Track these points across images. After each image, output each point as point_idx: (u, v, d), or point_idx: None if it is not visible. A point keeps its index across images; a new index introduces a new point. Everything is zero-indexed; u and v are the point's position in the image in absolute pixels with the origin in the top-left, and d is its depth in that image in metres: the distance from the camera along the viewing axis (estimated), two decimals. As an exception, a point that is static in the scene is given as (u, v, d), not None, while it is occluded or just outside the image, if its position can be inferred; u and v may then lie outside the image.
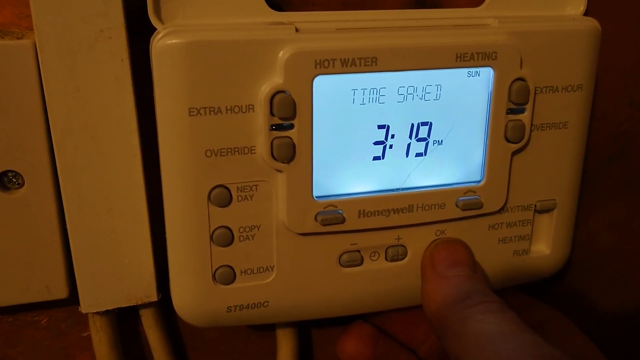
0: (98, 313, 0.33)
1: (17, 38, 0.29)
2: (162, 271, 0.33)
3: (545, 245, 0.36)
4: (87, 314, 0.33)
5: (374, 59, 0.29)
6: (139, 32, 0.29)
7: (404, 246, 0.33)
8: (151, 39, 0.28)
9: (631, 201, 0.44)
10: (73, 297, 0.33)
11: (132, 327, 0.36)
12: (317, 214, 0.31)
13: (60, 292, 0.33)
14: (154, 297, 0.33)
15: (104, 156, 0.30)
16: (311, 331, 0.41)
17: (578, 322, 0.47)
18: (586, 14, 0.34)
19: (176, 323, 0.37)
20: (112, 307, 0.33)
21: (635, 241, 0.45)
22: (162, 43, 0.27)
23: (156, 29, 0.28)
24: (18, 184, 0.30)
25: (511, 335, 0.26)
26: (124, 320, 0.35)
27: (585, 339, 0.34)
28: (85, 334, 0.36)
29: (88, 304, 0.32)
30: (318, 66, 0.28)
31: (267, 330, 0.39)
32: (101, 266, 0.32)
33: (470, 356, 0.26)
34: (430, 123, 0.31)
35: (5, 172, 0.30)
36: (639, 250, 0.46)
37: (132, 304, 0.33)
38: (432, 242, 0.33)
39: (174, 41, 0.27)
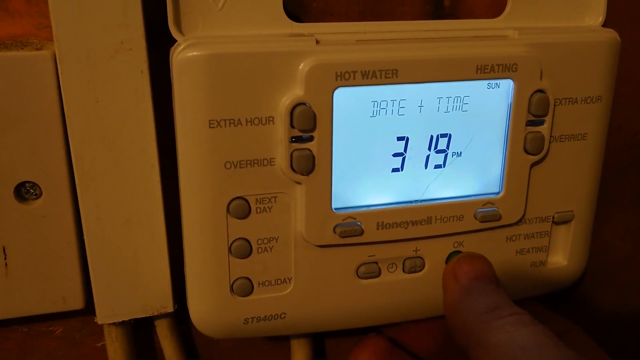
0: (114, 324, 0.33)
1: (37, 49, 0.28)
2: (177, 282, 0.33)
3: (562, 257, 0.36)
4: (102, 324, 0.33)
5: (394, 71, 0.29)
6: (159, 43, 0.29)
7: (421, 258, 0.33)
8: (171, 51, 0.28)
9: (645, 211, 0.44)
10: (88, 307, 0.33)
11: (147, 337, 0.36)
12: (336, 226, 0.30)
13: (76, 302, 0.32)
14: (170, 307, 0.33)
15: (122, 167, 0.30)
16: (324, 341, 0.40)
17: (592, 331, 0.46)
18: (605, 24, 0.34)
19: (191, 333, 0.37)
20: (128, 318, 0.33)
21: (649, 251, 0.45)
22: (183, 55, 0.27)
23: (176, 41, 0.28)
24: (35, 194, 0.30)
25: (546, 347, 0.26)
26: (138, 331, 0.35)
27: (603, 354, 0.33)
28: (99, 344, 0.36)
29: (104, 314, 0.32)
30: (339, 78, 0.28)
31: (281, 340, 0.39)
32: (118, 277, 0.32)
33: None
34: (450, 135, 0.31)
35: (23, 183, 0.30)
36: (652, 259, 0.46)
37: (148, 315, 0.33)
38: (452, 256, 0.33)
39: (195, 53, 0.27)
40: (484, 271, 0.31)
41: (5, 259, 0.31)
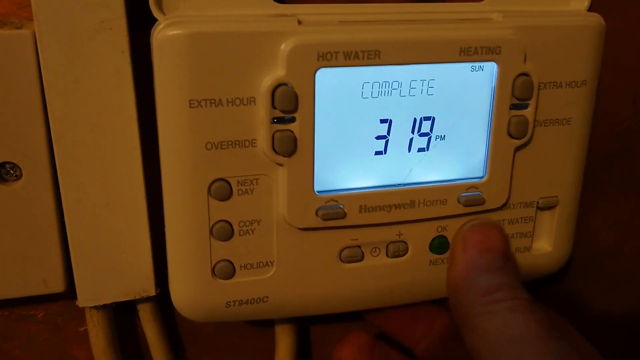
0: (95, 307, 0.33)
1: (17, 28, 0.28)
2: (160, 266, 0.32)
3: (547, 243, 0.36)
4: (84, 308, 0.33)
5: (377, 52, 0.28)
6: (140, 23, 0.29)
7: (405, 242, 0.33)
8: (152, 30, 0.28)
9: (632, 199, 0.44)
10: (69, 291, 0.32)
11: (129, 322, 0.36)
12: (318, 208, 0.30)
13: (57, 285, 0.32)
14: (152, 291, 0.33)
15: (103, 148, 0.30)
16: (310, 327, 0.40)
17: (578, 321, 0.46)
18: (590, 9, 0.33)
19: (174, 318, 0.37)
20: (110, 302, 0.32)
21: (636, 240, 0.45)
22: (163, 34, 0.27)
23: (157, 20, 0.28)
24: (16, 175, 0.30)
25: (537, 340, 0.25)
26: (120, 315, 0.35)
27: (588, 346, 0.33)
28: (81, 329, 0.35)
29: (85, 298, 0.32)
30: (320, 59, 0.28)
31: (265, 326, 0.39)
32: (99, 260, 0.31)
33: (491, 354, 0.26)
34: (433, 118, 0.31)
35: (3, 164, 0.30)
36: (639, 248, 0.46)
37: (130, 299, 0.33)
38: (467, 222, 0.32)
39: (175, 32, 0.27)
40: (496, 244, 0.30)
41: (-16, 240, 0.30)
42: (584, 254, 0.44)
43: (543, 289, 0.45)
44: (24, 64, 0.28)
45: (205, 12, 0.28)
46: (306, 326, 0.40)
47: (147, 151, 0.30)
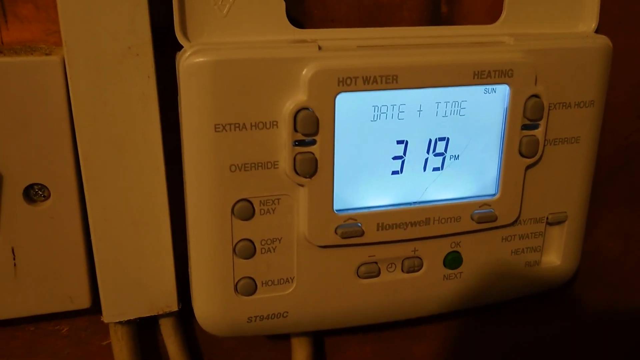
0: (120, 323, 0.34)
1: (46, 54, 0.29)
2: (182, 281, 0.33)
3: (555, 257, 0.37)
4: (108, 323, 0.34)
5: (394, 77, 0.30)
6: (165, 49, 0.30)
7: (419, 258, 0.34)
8: (177, 56, 0.29)
9: (636, 211, 0.45)
10: (94, 307, 0.33)
11: (151, 336, 0.37)
12: (338, 227, 0.31)
13: (83, 302, 0.33)
14: (174, 307, 0.34)
15: (128, 169, 0.31)
16: (324, 339, 0.41)
17: (583, 330, 0.47)
18: (597, 30, 0.34)
19: (194, 332, 0.38)
20: (134, 317, 0.33)
21: (640, 250, 0.46)
22: (189, 61, 0.28)
23: (181, 47, 0.29)
24: (44, 196, 0.31)
25: None
26: (143, 329, 0.36)
27: None
28: (105, 343, 0.36)
29: (111, 314, 0.33)
30: (341, 84, 0.29)
31: (282, 338, 0.39)
32: (124, 277, 0.32)
33: None
34: (448, 138, 0.32)
35: (32, 185, 0.31)
36: (643, 259, 0.47)
37: (153, 314, 0.34)
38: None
39: (201, 59, 0.28)
40: None
41: (14, 259, 0.31)
42: (590, 263, 0.45)
43: (549, 299, 0.46)
44: (53, 88, 0.29)
45: (228, 38, 0.29)
46: (321, 337, 0.41)
47: (170, 171, 0.31)
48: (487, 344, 0.46)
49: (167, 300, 0.34)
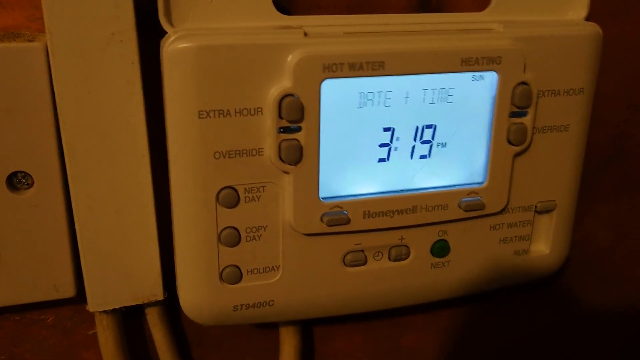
0: (105, 312, 0.34)
1: (28, 40, 0.29)
2: (167, 270, 0.33)
3: (544, 245, 0.37)
4: (93, 312, 0.34)
5: (381, 63, 0.29)
6: (149, 35, 0.29)
7: (407, 246, 0.34)
8: (161, 43, 0.28)
9: (627, 201, 0.45)
10: (79, 296, 0.33)
11: (138, 325, 0.37)
12: (323, 214, 0.31)
13: (67, 291, 0.33)
14: (160, 295, 0.34)
15: (113, 157, 0.30)
16: (312, 328, 0.41)
17: (574, 321, 0.47)
18: (587, 18, 0.34)
19: (180, 321, 0.38)
20: (119, 306, 0.33)
21: (630, 241, 0.46)
22: (173, 47, 0.27)
23: (166, 33, 0.28)
24: (27, 184, 0.31)
25: None
26: (129, 319, 0.36)
27: None
28: (90, 332, 0.36)
29: (96, 302, 0.33)
30: (326, 70, 0.29)
31: (270, 327, 0.39)
32: (109, 265, 0.32)
33: None
34: (435, 126, 0.32)
35: (15, 173, 0.30)
36: (634, 249, 0.47)
37: (139, 303, 0.33)
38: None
39: (185, 45, 0.27)
40: None
41: (-3, 247, 0.31)
42: (580, 254, 0.45)
43: (539, 289, 0.45)
44: (35, 75, 0.29)
45: (213, 24, 0.29)
46: (309, 326, 0.41)
47: (155, 159, 0.31)
48: (476, 335, 0.46)
49: (153, 289, 0.33)
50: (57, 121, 0.29)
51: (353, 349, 0.43)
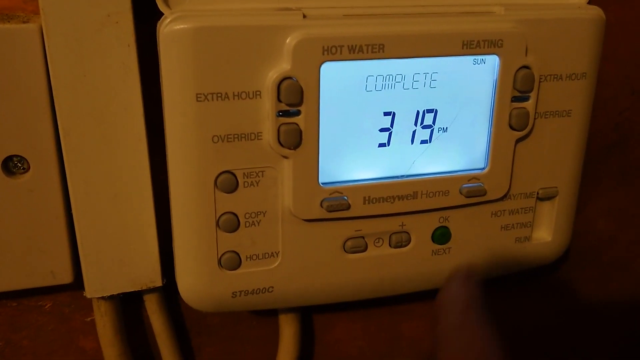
0: (103, 298, 0.33)
1: (23, 22, 0.28)
2: (166, 256, 0.33)
3: (546, 232, 0.37)
4: (91, 298, 0.33)
5: (381, 46, 0.29)
6: (145, 16, 0.29)
7: (407, 233, 0.33)
8: (158, 24, 0.28)
9: (629, 189, 0.44)
10: (77, 282, 0.33)
11: (136, 312, 0.36)
12: (323, 200, 0.31)
13: (65, 277, 0.33)
14: (158, 282, 0.33)
15: (110, 141, 0.30)
16: (312, 316, 0.41)
17: (575, 310, 0.47)
18: (590, 2, 0.34)
19: (179, 308, 0.37)
20: (117, 292, 0.33)
21: (632, 229, 0.46)
22: (169, 28, 0.27)
23: (163, 14, 0.28)
24: (23, 168, 0.30)
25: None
26: (127, 305, 0.35)
27: None
28: (88, 319, 0.36)
29: (93, 289, 0.32)
30: (325, 53, 0.28)
31: (269, 315, 0.39)
32: (106, 251, 0.32)
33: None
34: (436, 110, 0.31)
35: (10, 157, 0.30)
36: (636, 238, 0.46)
37: (137, 289, 0.33)
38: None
39: (181, 27, 0.27)
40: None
41: (-7, 233, 0.31)
42: (581, 242, 0.45)
43: (540, 277, 0.45)
44: (30, 58, 0.28)
45: (210, 5, 0.29)
46: (309, 314, 0.41)
47: (153, 143, 0.31)
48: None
49: (151, 275, 0.33)
50: (52, 104, 0.29)
51: (353, 337, 0.42)
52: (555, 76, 0.33)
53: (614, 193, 0.44)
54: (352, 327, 0.42)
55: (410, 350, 0.44)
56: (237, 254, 0.31)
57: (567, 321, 0.48)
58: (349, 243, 0.33)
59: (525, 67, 0.31)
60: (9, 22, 0.28)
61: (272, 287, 0.32)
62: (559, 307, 0.47)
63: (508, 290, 0.45)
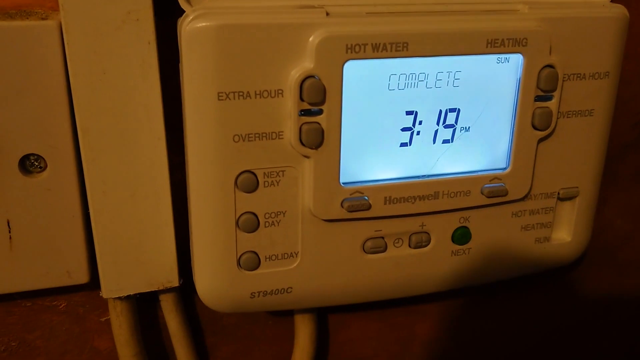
0: (119, 298, 0.33)
1: (42, 18, 0.28)
2: (183, 256, 0.32)
3: (566, 233, 0.36)
4: (106, 299, 0.33)
5: (405, 45, 0.28)
6: (166, 14, 0.28)
7: (427, 233, 0.33)
8: (179, 22, 0.28)
9: (646, 189, 0.44)
10: (92, 282, 0.32)
11: (151, 312, 0.36)
12: (344, 200, 0.30)
13: (81, 277, 0.32)
14: (175, 282, 0.33)
15: (128, 140, 0.30)
16: (328, 316, 0.40)
17: (590, 309, 0.47)
18: (613, 0, 0.33)
19: (195, 308, 0.37)
20: (134, 293, 0.32)
21: (648, 228, 0.46)
22: (191, 26, 0.27)
23: (183, 12, 0.28)
24: (40, 167, 0.30)
25: None
26: (143, 305, 0.35)
27: None
28: (103, 319, 0.35)
29: (109, 289, 0.32)
30: (349, 51, 0.28)
31: (285, 315, 0.39)
32: (123, 251, 0.31)
33: None
34: (458, 109, 0.31)
35: (27, 156, 0.30)
36: (652, 237, 0.46)
37: (153, 289, 0.33)
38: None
39: (203, 24, 0.27)
40: None
41: (9, 232, 0.30)
42: (598, 242, 0.45)
43: (557, 278, 0.45)
44: (49, 55, 0.28)
45: (232, 2, 0.28)
46: (324, 313, 0.40)
47: (171, 142, 0.30)
48: (490, 324, 0.45)
49: (168, 275, 0.33)
50: (71, 102, 0.29)
51: (368, 337, 0.42)
52: (579, 75, 0.32)
53: (631, 192, 0.44)
54: (366, 327, 0.42)
55: (423, 351, 0.44)
56: (257, 254, 0.31)
57: (584, 319, 0.48)
58: (368, 243, 0.32)
59: (549, 66, 0.31)
60: (27, 18, 0.28)
61: (291, 288, 0.32)
62: (576, 305, 0.47)
63: (523, 291, 0.45)
